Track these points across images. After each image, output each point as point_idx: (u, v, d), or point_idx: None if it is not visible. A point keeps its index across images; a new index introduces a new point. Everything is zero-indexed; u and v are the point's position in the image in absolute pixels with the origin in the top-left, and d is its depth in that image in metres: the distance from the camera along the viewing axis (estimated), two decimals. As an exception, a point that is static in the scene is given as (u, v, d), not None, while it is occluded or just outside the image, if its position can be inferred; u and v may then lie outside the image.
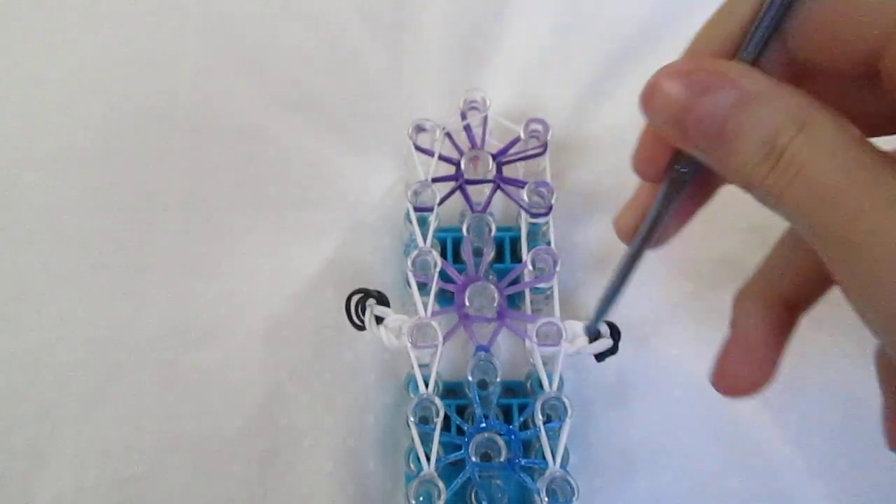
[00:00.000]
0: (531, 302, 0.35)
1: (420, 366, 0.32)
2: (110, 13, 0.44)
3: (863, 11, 0.16)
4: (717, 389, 0.23)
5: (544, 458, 0.31)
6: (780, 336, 0.23)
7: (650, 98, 0.19)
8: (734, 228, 0.38)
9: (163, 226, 0.39)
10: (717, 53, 0.18)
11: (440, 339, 0.32)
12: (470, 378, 0.32)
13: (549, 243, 0.35)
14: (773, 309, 0.23)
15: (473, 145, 0.37)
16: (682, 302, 0.38)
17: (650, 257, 0.38)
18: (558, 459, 0.31)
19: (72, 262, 0.38)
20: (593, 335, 0.32)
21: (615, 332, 0.33)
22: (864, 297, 0.17)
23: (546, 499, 0.30)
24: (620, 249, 0.38)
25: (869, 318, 0.17)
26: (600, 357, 0.33)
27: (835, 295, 0.37)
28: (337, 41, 0.44)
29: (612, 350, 0.33)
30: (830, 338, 0.37)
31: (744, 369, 0.23)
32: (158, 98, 0.42)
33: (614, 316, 0.33)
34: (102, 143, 0.41)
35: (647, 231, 0.22)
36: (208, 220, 0.39)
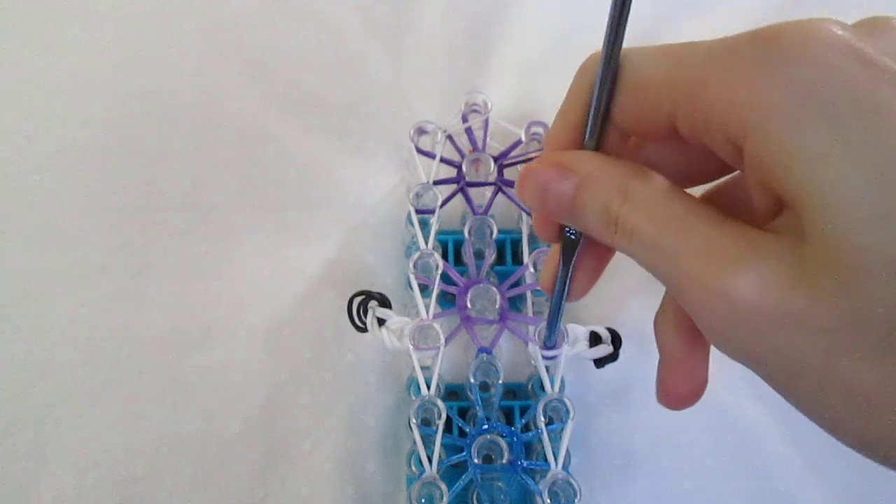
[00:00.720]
0: (532, 304, 0.35)
1: (422, 368, 0.32)
2: (111, 14, 0.44)
3: (653, 91, 0.19)
4: (663, 404, 0.25)
5: (546, 459, 0.31)
6: (698, 351, 0.24)
7: (522, 183, 0.22)
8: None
9: (163, 227, 0.39)
10: (570, 140, 0.22)
11: (442, 341, 0.32)
12: (472, 380, 0.32)
13: (550, 245, 0.35)
14: (685, 328, 0.24)
15: (475, 148, 0.37)
16: None
17: None
18: (560, 461, 0.31)
19: (72, 263, 0.38)
20: (551, 346, 0.33)
21: (616, 339, 0.33)
22: (699, 325, 0.20)
23: (548, 500, 0.30)
24: (617, 255, 0.39)
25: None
26: (600, 363, 0.33)
27: None
28: (337, 43, 0.44)
29: (613, 357, 0.33)
30: None
31: (678, 385, 0.25)
32: (159, 99, 0.42)
33: (616, 319, 0.34)
34: (103, 143, 0.40)
35: (560, 285, 0.26)
36: (209, 221, 0.39)
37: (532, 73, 0.43)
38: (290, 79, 0.43)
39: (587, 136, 0.21)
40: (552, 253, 0.26)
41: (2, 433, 0.35)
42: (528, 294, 0.35)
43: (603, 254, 0.26)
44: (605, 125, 0.21)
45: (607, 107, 0.20)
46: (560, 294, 0.27)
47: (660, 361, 0.25)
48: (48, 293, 0.37)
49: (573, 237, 0.24)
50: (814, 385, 0.19)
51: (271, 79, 0.43)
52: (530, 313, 0.35)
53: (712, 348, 0.23)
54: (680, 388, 0.25)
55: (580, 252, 0.25)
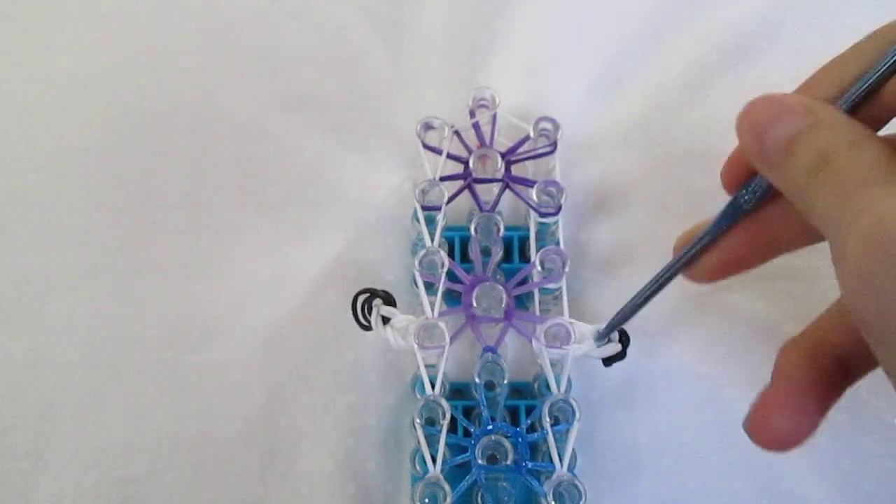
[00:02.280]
0: (539, 302, 0.34)
1: (427, 366, 0.32)
2: (110, 13, 0.44)
3: None
4: (753, 440, 0.23)
5: (551, 460, 0.30)
6: (826, 391, 0.22)
7: (752, 107, 0.21)
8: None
9: (163, 225, 0.39)
10: (823, 94, 0.21)
11: (447, 339, 0.32)
12: (477, 380, 0.32)
13: (557, 243, 0.35)
14: (821, 362, 0.22)
15: (482, 143, 0.37)
16: (689, 304, 0.37)
17: (654, 257, 0.38)
18: (566, 463, 0.30)
19: (71, 261, 0.38)
20: (602, 342, 0.32)
21: (624, 338, 0.32)
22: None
23: (553, 502, 0.29)
24: (630, 250, 0.39)
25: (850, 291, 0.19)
26: (608, 362, 0.32)
27: (836, 295, 0.38)
28: (338, 39, 0.43)
29: (621, 355, 0.32)
30: None
31: (782, 421, 0.22)
32: (159, 98, 0.42)
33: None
34: (102, 142, 0.40)
35: (691, 248, 0.24)
36: (209, 220, 0.39)
37: (538, 67, 0.43)
38: (290, 76, 0.42)
39: (845, 99, 0.20)
40: (698, 224, 0.25)
41: (1, 432, 0.34)
42: (536, 292, 0.34)
43: (767, 241, 0.24)
44: (870, 99, 0.20)
45: (882, 82, 0.20)
46: (684, 256, 0.25)
47: (768, 392, 0.24)
48: (47, 292, 0.37)
49: (747, 201, 0.23)
50: None
51: (271, 77, 0.42)
52: (537, 312, 0.34)
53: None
54: (783, 425, 0.23)
55: (743, 222, 0.23)
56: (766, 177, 0.22)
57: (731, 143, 0.24)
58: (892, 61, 0.19)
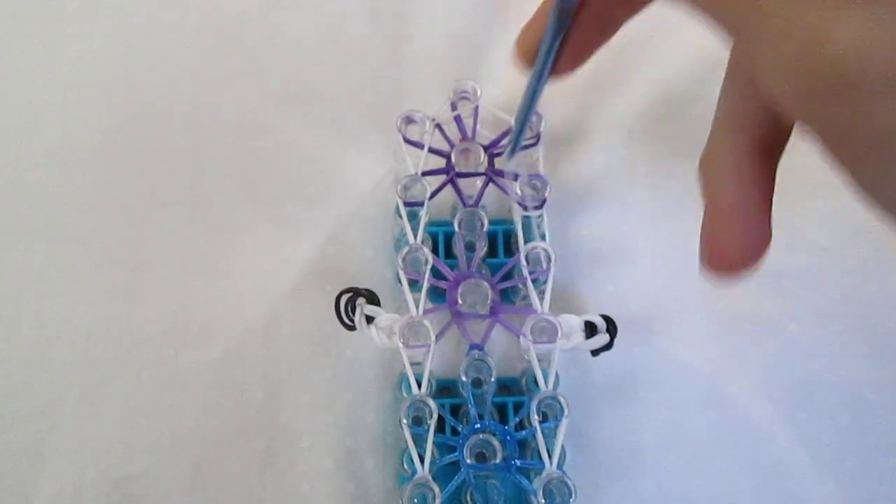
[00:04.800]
0: (525, 297, 0.34)
1: (413, 365, 0.31)
2: (109, 9, 0.44)
3: None
4: (713, 270, 0.21)
5: (541, 458, 0.30)
6: (763, 188, 0.20)
7: None
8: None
9: (162, 222, 0.39)
10: None
11: (432, 338, 0.31)
12: (464, 378, 0.32)
13: (543, 237, 0.35)
14: (747, 161, 0.20)
15: (464, 137, 0.36)
16: (690, 298, 0.37)
17: (657, 254, 0.37)
18: (555, 460, 0.30)
19: (70, 258, 0.38)
20: (512, 178, 0.29)
21: (611, 327, 0.32)
22: (771, 85, 0.16)
23: (543, 500, 0.29)
24: (617, 243, 0.38)
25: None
26: (596, 353, 0.32)
27: (841, 294, 0.37)
28: (338, 34, 0.43)
29: (608, 346, 0.32)
30: (840, 338, 0.36)
31: (735, 238, 0.20)
32: (157, 94, 0.41)
33: (621, 311, 0.33)
34: (101, 138, 0.40)
35: (545, 52, 0.22)
36: (208, 216, 0.39)
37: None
38: (289, 71, 0.42)
39: None
40: (538, 13, 0.23)
41: (1, 431, 0.35)
42: (530, 287, 0.33)
43: (606, 20, 0.22)
44: None
45: None
46: (543, 66, 0.22)
47: (705, 213, 0.21)
48: (45, 290, 0.37)
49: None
50: None
51: (270, 72, 0.42)
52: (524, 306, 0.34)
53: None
54: (735, 243, 0.20)
55: (580, 13, 0.21)
56: None
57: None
58: None
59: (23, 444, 0.34)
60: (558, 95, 0.41)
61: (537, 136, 0.36)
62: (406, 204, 0.34)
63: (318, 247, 0.38)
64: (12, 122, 0.41)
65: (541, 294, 0.33)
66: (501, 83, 0.41)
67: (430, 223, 0.35)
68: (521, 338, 0.32)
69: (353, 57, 0.42)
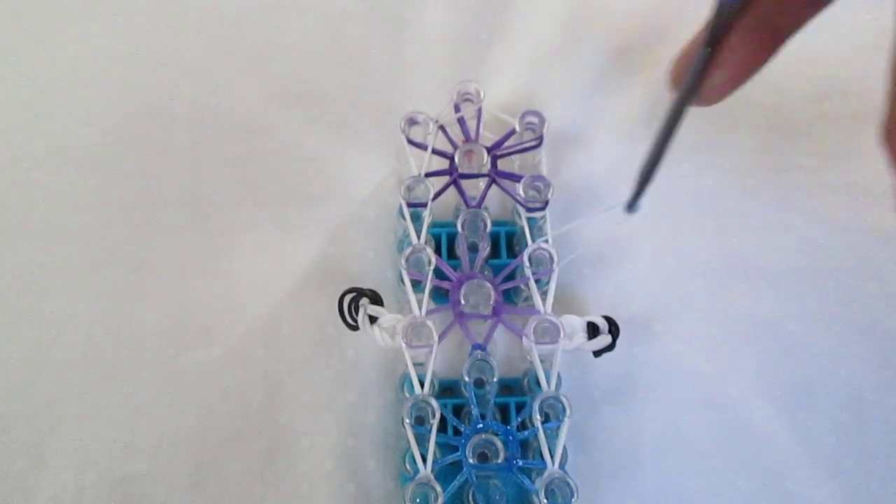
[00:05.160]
0: (529, 298, 0.34)
1: (415, 365, 0.31)
2: (110, 9, 0.44)
3: None
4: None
5: (542, 458, 0.30)
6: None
7: None
8: (745, 226, 0.38)
9: (163, 222, 0.39)
10: None
11: (435, 338, 0.31)
12: (466, 378, 0.32)
13: (546, 238, 0.35)
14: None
15: (468, 138, 0.37)
16: (691, 298, 0.37)
17: (656, 254, 0.38)
18: (557, 460, 0.30)
19: (71, 258, 0.38)
20: (634, 211, 0.27)
21: (614, 328, 0.32)
22: None
23: (545, 500, 0.29)
24: (619, 244, 0.38)
25: None
26: (598, 353, 0.32)
27: (841, 294, 0.37)
28: (339, 34, 0.43)
29: (610, 347, 0.32)
30: (840, 338, 0.36)
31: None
32: (158, 93, 0.41)
33: (620, 311, 0.33)
34: (101, 139, 0.40)
35: (693, 76, 0.21)
36: (208, 216, 0.39)
37: (529, 62, 0.42)
38: (290, 72, 0.42)
39: None
40: (692, 39, 0.22)
41: (1, 431, 0.35)
42: (533, 288, 0.33)
43: (771, 31, 0.22)
44: None
45: None
46: (690, 88, 0.21)
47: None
48: (46, 289, 0.37)
49: (733, 4, 0.20)
50: None
51: (271, 72, 0.42)
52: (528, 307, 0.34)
53: None
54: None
55: (737, 25, 0.20)
56: None
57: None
58: None
59: (23, 445, 0.34)
60: (556, 97, 0.41)
61: (540, 138, 0.36)
62: (409, 205, 0.34)
63: (318, 247, 0.38)
64: (13, 122, 0.41)
65: (543, 295, 0.33)
66: (501, 84, 0.41)
67: (434, 224, 0.35)
68: (524, 338, 0.32)
69: (354, 59, 0.42)
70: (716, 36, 0.21)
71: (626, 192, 0.39)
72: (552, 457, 0.30)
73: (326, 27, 0.43)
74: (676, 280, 0.38)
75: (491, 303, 0.33)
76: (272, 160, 0.40)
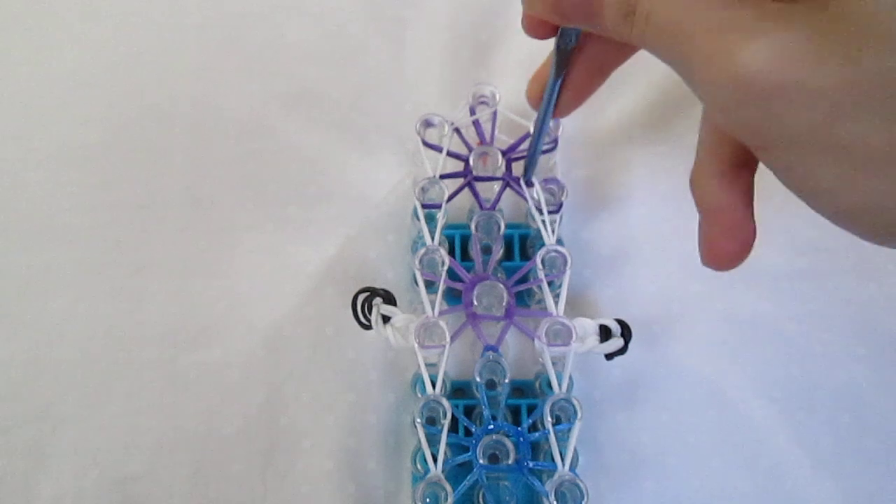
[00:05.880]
0: (541, 300, 0.34)
1: (427, 365, 0.31)
2: (111, 10, 0.44)
3: None
4: (710, 265, 0.25)
5: (553, 460, 0.30)
6: (743, 197, 0.24)
7: None
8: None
9: (163, 223, 0.39)
10: None
11: (447, 338, 0.31)
12: (478, 379, 0.32)
13: (559, 241, 0.35)
14: (728, 175, 0.24)
15: (482, 141, 0.37)
16: (692, 302, 0.37)
17: (656, 256, 0.38)
18: (567, 462, 0.30)
19: (72, 259, 0.38)
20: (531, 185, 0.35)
21: (626, 331, 0.32)
22: (706, 102, 0.21)
23: (555, 502, 0.29)
24: (632, 247, 0.38)
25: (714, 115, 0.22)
26: (610, 356, 0.32)
27: (840, 294, 0.38)
28: (340, 35, 0.43)
29: (622, 350, 0.32)
30: (839, 339, 0.36)
31: (724, 241, 0.24)
32: (159, 95, 0.41)
33: (621, 314, 0.33)
34: (102, 139, 0.40)
35: (548, 98, 0.29)
36: (209, 217, 0.39)
37: (536, 63, 0.42)
38: (291, 73, 0.42)
39: None
40: (544, 65, 0.28)
41: (1, 431, 0.34)
42: (546, 291, 0.34)
43: (599, 67, 0.27)
44: None
45: None
46: (547, 106, 0.28)
47: (701, 220, 0.25)
48: (47, 290, 0.37)
49: (568, 46, 0.26)
50: (809, 150, 0.19)
51: (272, 73, 0.42)
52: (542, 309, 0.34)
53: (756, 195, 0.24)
54: (727, 244, 0.24)
55: (576, 61, 0.27)
56: (586, 26, 0.24)
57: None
58: None
59: (24, 445, 0.34)
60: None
61: (555, 141, 0.36)
62: (424, 206, 0.34)
63: (319, 248, 0.38)
64: (12, 122, 0.41)
65: (556, 297, 0.33)
66: (501, 85, 0.41)
67: (447, 226, 0.36)
68: (536, 340, 0.32)
69: (355, 59, 0.43)
70: (560, 69, 0.27)
71: (624, 193, 0.39)
72: (563, 459, 0.30)
73: (327, 28, 0.43)
74: (676, 282, 0.38)
75: (503, 304, 0.33)
76: (272, 160, 0.40)
